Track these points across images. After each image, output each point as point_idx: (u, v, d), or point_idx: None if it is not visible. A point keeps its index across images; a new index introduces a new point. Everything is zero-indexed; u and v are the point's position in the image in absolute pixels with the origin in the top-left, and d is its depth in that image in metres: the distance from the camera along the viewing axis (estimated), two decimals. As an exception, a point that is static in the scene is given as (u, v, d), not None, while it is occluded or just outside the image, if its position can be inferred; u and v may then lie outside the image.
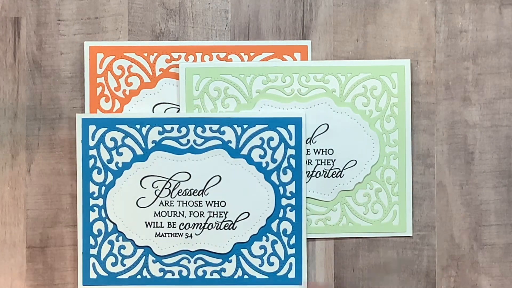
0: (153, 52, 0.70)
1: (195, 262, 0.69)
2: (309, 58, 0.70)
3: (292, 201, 0.69)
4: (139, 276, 0.69)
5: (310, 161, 0.69)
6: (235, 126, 0.69)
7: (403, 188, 0.70)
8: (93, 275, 0.69)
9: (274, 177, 0.69)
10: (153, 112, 0.70)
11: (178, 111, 0.70)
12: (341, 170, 0.69)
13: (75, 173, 0.71)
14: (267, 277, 0.69)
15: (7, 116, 0.71)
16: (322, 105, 0.70)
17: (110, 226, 0.69)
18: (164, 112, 0.70)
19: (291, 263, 0.69)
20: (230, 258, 0.69)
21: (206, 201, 0.69)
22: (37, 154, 0.71)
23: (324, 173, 0.69)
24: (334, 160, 0.69)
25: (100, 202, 0.69)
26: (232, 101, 0.70)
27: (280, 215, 0.69)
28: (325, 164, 0.69)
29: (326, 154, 0.69)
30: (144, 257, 0.69)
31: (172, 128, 0.69)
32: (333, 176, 0.69)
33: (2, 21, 0.71)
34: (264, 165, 0.69)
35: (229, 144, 0.69)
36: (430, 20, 0.71)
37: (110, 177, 0.69)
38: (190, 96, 0.70)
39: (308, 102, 0.70)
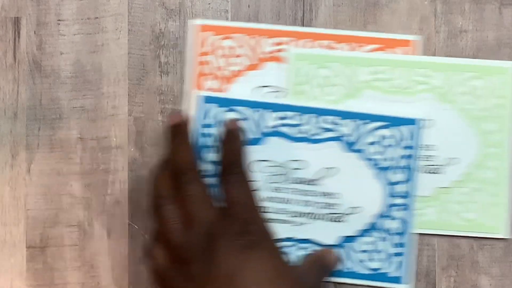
0: (260, 35, 0.70)
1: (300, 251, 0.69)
2: (416, 53, 0.70)
3: (403, 200, 0.69)
4: None
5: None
6: (353, 120, 0.69)
7: (502, 189, 0.69)
8: None
9: (387, 174, 0.69)
10: (257, 95, 0.69)
11: (283, 96, 0.69)
12: (440, 167, 0.69)
13: (75, 173, 0.71)
14: (371, 272, 0.69)
15: (7, 116, 0.71)
16: (426, 101, 0.69)
17: None
18: (268, 96, 0.69)
19: (397, 261, 0.69)
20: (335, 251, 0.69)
21: (318, 192, 0.69)
22: (37, 154, 0.71)
23: (423, 169, 0.69)
24: (435, 156, 0.69)
25: None
26: (337, 90, 0.70)
27: (390, 213, 0.69)
28: (425, 160, 0.69)
29: (427, 150, 0.69)
30: None
31: (290, 116, 0.69)
32: (431, 172, 0.69)
33: (2, 21, 0.71)
34: (378, 162, 0.69)
35: (345, 138, 0.69)
36: (430, 20, 0.71)
37: None
38: (296, 82, 0.69)
39: (413, 97, 0.69)
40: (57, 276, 0.71)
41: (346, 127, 0.69)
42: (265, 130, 0.69)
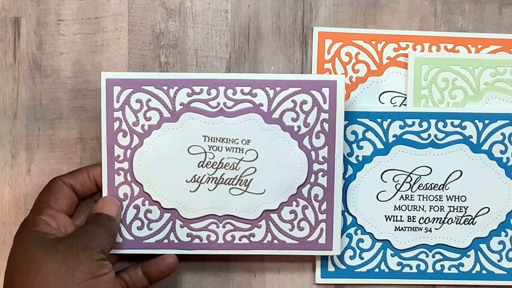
0: (381, 41, 0.70)
1: (433, 257, 0.69)
2: None
3: None
4: (376, 270, 0.70)
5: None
6: (477, 121, 0.69)
7: None
8: (331, 268, 0.70)
9: None
10: (379, 100, 0.70)
11: (404, 100, 0.70)
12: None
13: (75, 173, 0.71)
14: (506, 272, 0.69)
15: (7, 116, 0.71)
16: None
17: (349, 219, 0.70)
18: (391, 100, 0.70)
19: None
20: (468, 253, 0.69)
21: (447, 196, 0.69)
22: (37, 154, 0.71)
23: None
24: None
25: None
26: (459, 93, 0.70)
27: None
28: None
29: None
30: (382, 250, 0.69)
31: (413, 123, 0.69)
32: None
33: (2, 21, 0.71)
34: (504, 160, 0.69)
35: (470, 139, 0.69)
36: (430, 20, 0.71)
37: (350, 170, 0.69)
38: (418, 86, 0.70)
39: None
40: (57, 276, 0.71)
41: (470, 129, 0.69)
42: (390, 140, 0.69)
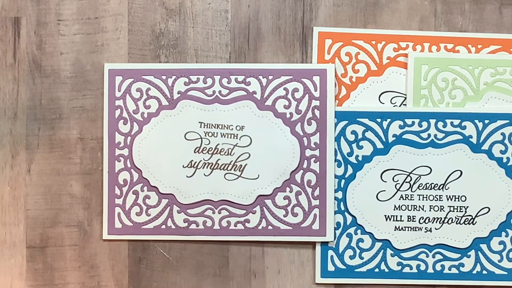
0: (381, 41, 0.70)
1: (433, 257, 0.69)
2: None
3: None
4: (376, 270, 0.70)
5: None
6: (476, 121, 0.69)
7: None
8: (331, 268, 0.70)
9: None
10: (379, 100, 0.70)
11: (404, 101, 0.70)
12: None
13: (75, 173, 0.71)
14: (506, 273, 0.69)
15: (7, 116, 0.71)
16: None
17: (349, 219, 0.70)
18: (391, 100, 0.70)
19: None
20: (469, 253, 0.69)
21: (447, 196, 0.69)
22: (37, 154, 0.71)
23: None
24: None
25: (339, 195, 0.69)
26: (459, 93, 0.70)
27: None
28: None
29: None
30: (382, 250, 0.69)
31: (413, 122, 0.69)
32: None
33: (2, 21, 0.71)
34: (505, 160, 0.69)
35: (470, 139, 0.69)
36: (430, 20, 0.71)
37: (350, 170, 0.69)
38: (417, 86, 0.70)
39: None
40: (57, 276, 0.71)
41: (470, 129, 0.69)
42: (390, 139, 0.69)
